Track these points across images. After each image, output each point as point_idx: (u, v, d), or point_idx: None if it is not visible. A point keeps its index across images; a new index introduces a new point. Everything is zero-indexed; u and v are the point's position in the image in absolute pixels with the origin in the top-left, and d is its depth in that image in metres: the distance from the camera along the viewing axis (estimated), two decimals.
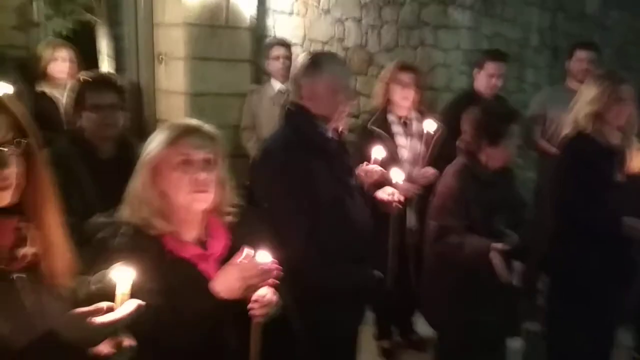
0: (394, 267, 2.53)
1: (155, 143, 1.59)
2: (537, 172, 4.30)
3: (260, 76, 4.24)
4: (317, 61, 2.20)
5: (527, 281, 3.53)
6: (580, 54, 4.01)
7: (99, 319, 1.14)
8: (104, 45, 4.51)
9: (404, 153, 3.20)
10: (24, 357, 1.13)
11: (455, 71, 5.23)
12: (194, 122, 1.64)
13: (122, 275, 1.19)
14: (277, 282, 1.57)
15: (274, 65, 3.93)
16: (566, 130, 2.71)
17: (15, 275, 1.20)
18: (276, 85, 3.94)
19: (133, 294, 1.19)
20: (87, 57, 3.97)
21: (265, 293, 1.55)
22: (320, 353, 1.96)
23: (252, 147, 3.82)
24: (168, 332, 1.46)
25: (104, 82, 2.37)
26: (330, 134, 2.20)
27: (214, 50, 3.96)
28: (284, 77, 3.92)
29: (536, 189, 4.16)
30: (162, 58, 4.12)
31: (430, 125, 3.08)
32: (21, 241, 1.21)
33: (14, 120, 1.17)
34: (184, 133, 1.58)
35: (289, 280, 1.65)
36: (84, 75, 2.50)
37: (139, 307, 1.18)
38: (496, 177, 2.54)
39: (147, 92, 4.19)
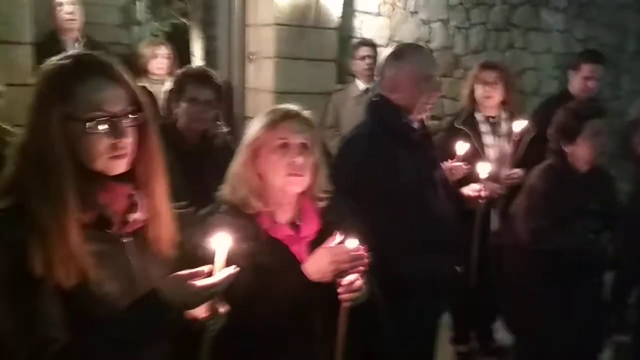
0: (476, 265, 2.49)
1: (256, 126, 1.66)
2: (634, 181, 4.07)
3: (344, 76, 4.31)
4: (400, 52, 2.22)
5: (618, 292, 3.39)
6: None
7: (199, 282, 1.21)
8: (196, 47, 4.74)
9: (491, 153, 3.15)
10: (128, 314, 1.21)
11: (545, 75, 5.08)
12: (293, 107, 1.68)
13: (221, 243, 1.25)
14: (366, 269, 1.57)
15: (359, 65, 3.98)
16: None
17: (124, 240, 1.30)
18: (360, 85, 3.98)
19: (228, 264, 1.25)
20: (180, 56, 4.20)
21: (355, 279, 1.55)
22: (402, 342, 1.96)
23: (335, 145, 3.87)
24: (258, 307, 1.51)
25: (205, 78, 2.44)
26: (414, 125, 2.20)
27: (302, 50, 4.06)
28: (369, 77, 3.96)
29: (632, 197, 3.94)
30: (252, 57, 4.27)
31: (519, 126, 3.01)
32: (132, 207, 1.30)
33: (132, 95, 1.26)
34: (283, 118, 1.63)
35: (375, 268, 1.67)
36: (188, 68, 2.64)
37: (234, 274, 1.25)
38: (585, 179, 2.45)
39: (237, 90, 4.36)
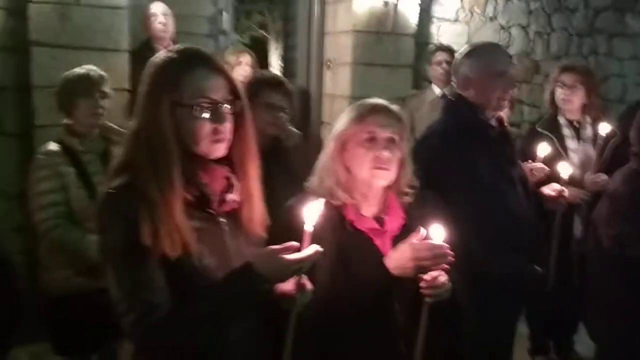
0: (555, 269, 2.43)
1: (344, 119, 1.70)
2: None
3: (419, 82, 4.33)
4: (473, 49, 2.25)
5: None
6: None
7: (288, 256, 1.28)
8: (273, 57, 4.91)
9: (574, 157, 3.07)
10: (224, 285, 1.30)
11: (631, 82, 4.86)
12: (382, 101, 1.71)
13: (309, 222, 1.32)
14: (448, 267, 1.56)
15: (436, 70, 3.99)
16: None
17: (220, 219, 1.39)
18: (436, 90, 3.99)
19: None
20: (259, 67, 4.36)
21: (438, 275, 1.54)
22: (480, 340, 1.95)
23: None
24: (340, 295, 1.56)
25: (279, 84, 2.45)
26: (491, 122, 2.19)
27: (379, 56, 4.12)
28: (445, 82, 3.96)
29: None
30: (329, 64, 4.38)
31: (604, 129, 2.92)
32: (229, 188, 1.40)
33: (231, 84, 1.37)
34: (372, 111, 1.67)
35: (456, 265, 1.67)
36: (260, 73, 2.71)
37: (319, 252, 1.31)
38: None
39: (315, 97, 4.48)
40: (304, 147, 2.83)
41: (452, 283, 1.59)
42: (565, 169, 2.44)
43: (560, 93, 3.10)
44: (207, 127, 1.31)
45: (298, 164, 2.28)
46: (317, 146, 4.22)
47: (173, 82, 1.30)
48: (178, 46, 1.38)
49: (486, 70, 2.16)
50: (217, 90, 1.33)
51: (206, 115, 1.31)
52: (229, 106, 1.35)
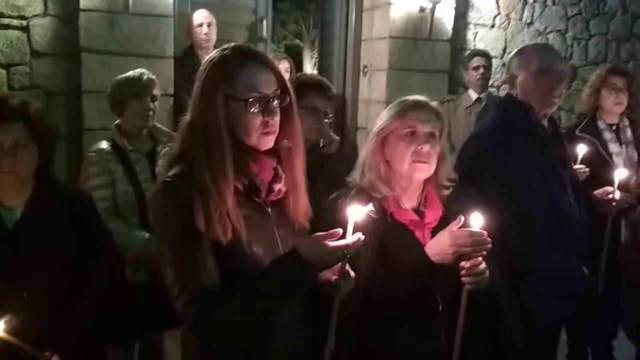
0: (604, 273, 2.41)
1: (385, 115, 1.76)
2: None
3: (455, 87, 4.35)
4: (522, 48, 2.28)
5: None
6: None
7: (332, 243, 1.33)
8: (308, 66, 4.99)
9: (618, 161, 3.04)
10: (271, 270, 1.36)
11: None
12: (422, 98, 1.77)
13: (354, 211, 1.36)
14: (486, 254, 1.59)
15: (472, 75, 4.00)
16: None
17: (267, 208, 1.46)
18: (473, 95, 4.00)
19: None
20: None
21: (477, 262, 1.58)
22: (522, 341, 1.95)
23: None
24: (381, 284, 1.60)
25: (325, 88, 2.41)
26: (542, 121, 2.21)
27: (415, 61, 4.17)
28: (482, 87, 3.98)
29: None
30: (366, 70, 4.45)
31: None
32: (276, 178, 1.46)
33: (280, 80, 1.44)
34: (412, 107, 1.73)
35: (499, 260, 1.70)
36: (305, 76, 2.74)
37: (362, 240, 1.35)
38: None
39: (351, 102, 4.55)
40: (342, 152, 2.85)
41: (491, 275, 1.62)
42: (620, 175, 2.43)
43: (611, 96, 3.07)
44: (257, 120, 1.38)
45: (338, 169, 2.30)
46: (353, 152, 4.29)
47: (227, 77, 1.37)
48: (232, 44, 1.45)
49: (528, 66, 2.19)
50: (267, 85, 1.40)
51: (257, 109, 1.38)
52: (278, 101, 1.41)
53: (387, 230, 1.68)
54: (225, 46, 1.45)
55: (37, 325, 1.64)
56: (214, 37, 3.80)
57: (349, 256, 1.36)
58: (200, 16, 3.81)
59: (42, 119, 1.82)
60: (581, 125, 3.14)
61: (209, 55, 1.46)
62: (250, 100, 1.37)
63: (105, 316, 1.89)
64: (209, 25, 3.79)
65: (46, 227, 1.78)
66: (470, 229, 1.58)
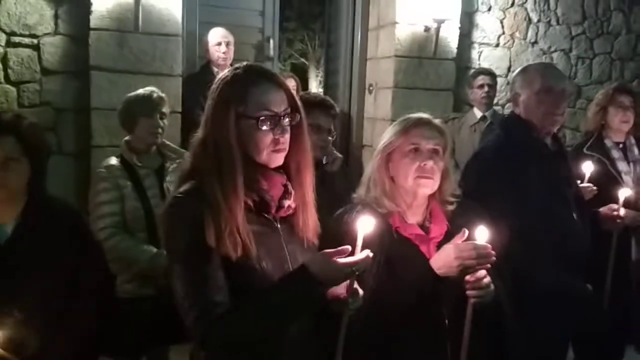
0: (609, 289, 2.41)
1: (390, 132, 1.80)
2: None
3: (460, 105, 4.38)
4: (525, 67, 2.32)
5: None
6: None
7: (341, 259, 1.34)
8: (313, 84, 5.04)
9: (627, 179, 3.04)
10: (280, 286, 1.37)
11: None
12: (425, 115, 1.81)
13: (362, 227, 1.37)
14: (491, 267, 1.60)
15: (477, 94, 4.03)
16: None
17: (277, 224, 1.47)
18: (478, 113, 4.03)
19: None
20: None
21: (482, 276, 1.60)
22: (528, 350, 1.95)
23: None
24: (387, 298, 1.61)
25: (328, 106, 2.43)
26: (545, 140, 2.23)
27: (420, 80, 4.21)
28: (486, 106, 4.01)
29: None
30: (371, 89, 4.49)
31: None
32: (286, 195, 1.48)
33: (290, 98, 1.47)
34: (416, 124, 1.76)
35: (503, 276, 1.71)
36: (308, 94, 2.76)
37: (371, 257, 1.36)
38: None
39: (356, 120, 4.58)
40: (345, 170, 2.87)
41: (495, 289, 1.63)
42: (623, 194, 2.44)
43: (618, 114, 3.08)
44: (268, 138, 1.41)
45: (340, 187, 2.32)
46: (358, 169, 4.30)
47: (239, 95, 1.40)
48: (244, 63, 1.48)
49: (530, 85, 2.22)
50: (278, 103, 1.43)
51: (268, 126, 1.40)
52: (288, 119, 1.44)
53: (393, 246, 1.69)
54: (238, 65, 1.48)
55: (29, 342, 1.64)
56: (231, 55, 3.87)
57: (357, 273, 1.37)
58: (219, 35, 3.87)
59: (34, 133, 1.80)
60: (588, 144, 3.15)
61: (221, 74, 1.49)
62: (262, 118, 1.39)
63: (96, 332, 1.87)
64: (227, 44, 3.86)
65: (38, 243, 1.76)
66: (475, 242, 1.59)
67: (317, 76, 6.81)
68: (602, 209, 2.38)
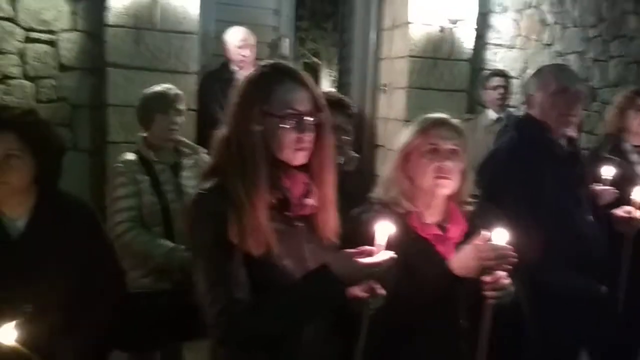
0: (624, 292, 2.40)
1: (408, 133, 1.79)
2: None
3: (473, 106, 4.37)
4: (540, 71, 2.32)
5: None
6: None
7: (362, 260, 1.34)
8: (325, 84, 5.05)
9: None
10: (301, 284, 1.37)
11: None
12: (443, 115, 1.81)
13: (383, 228, 1.38)
14: (511, 268, 1.59)
15: (491, 95, 4.03)
16: None
17: (298, 222, 1.48)
18: (492, 115, 4.02)
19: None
20: None
21: (500, 277, 1.58)
22: (543, 351, 1.95)
23: None
24: (405, 299, 1.59)
25: (344, 106, 2.41)
26: (560, 141, 2.23)
27: (434, 80, 4.20)
28: (500, 107, 4.00)
29: None
30: (385, 89, 4.48)
31: None
32: (307, 193, 1.49)
33: (315, 98, 1.47)
34: (434, 125, 1.76)
35: (519, 276, 1.70)
36: (326, 94, 2.76)
37: (393, 259, 1.36)
38: None
39: (369, 120, 4.58)
40: (361, 170, 2.87)
41: (514, 289, 1.62)
42: (638, 193, 2.42)
43: (637, 117, 3.05)
44: (291, 136, 1.41)
45: (355, 186, 2.32)
46: (370, 169, 4.29)
47: (264, 94, 1.41)
48: (270, 62, 1.50)
49: (545, 87, 2.23)
50: (302, 102, 1.43)
51: (291, 125, 1.41)
52: (312, 118, 1.44)
53: (411, 245, 1.68)
54: (264, 63, 1.49)
55: (43, 337, 1.63)
56: (253, 56, 3.85)
57: (379, 274, 1.37)
58: (240, 37, 3.85)
59: (38, 129, 1.79)
60: (607, 147, 3.13)
61: (248, 73, 1.49)
62: (286, 116, 1.40)
63: (110, 327, 1.89)
64: (249, 47, 3.85)
65: (50, 238, 1.77)
66: (494, 242, 1.58)
67: (329, 75, 6.79)
68: (616, 211, 2.37)
